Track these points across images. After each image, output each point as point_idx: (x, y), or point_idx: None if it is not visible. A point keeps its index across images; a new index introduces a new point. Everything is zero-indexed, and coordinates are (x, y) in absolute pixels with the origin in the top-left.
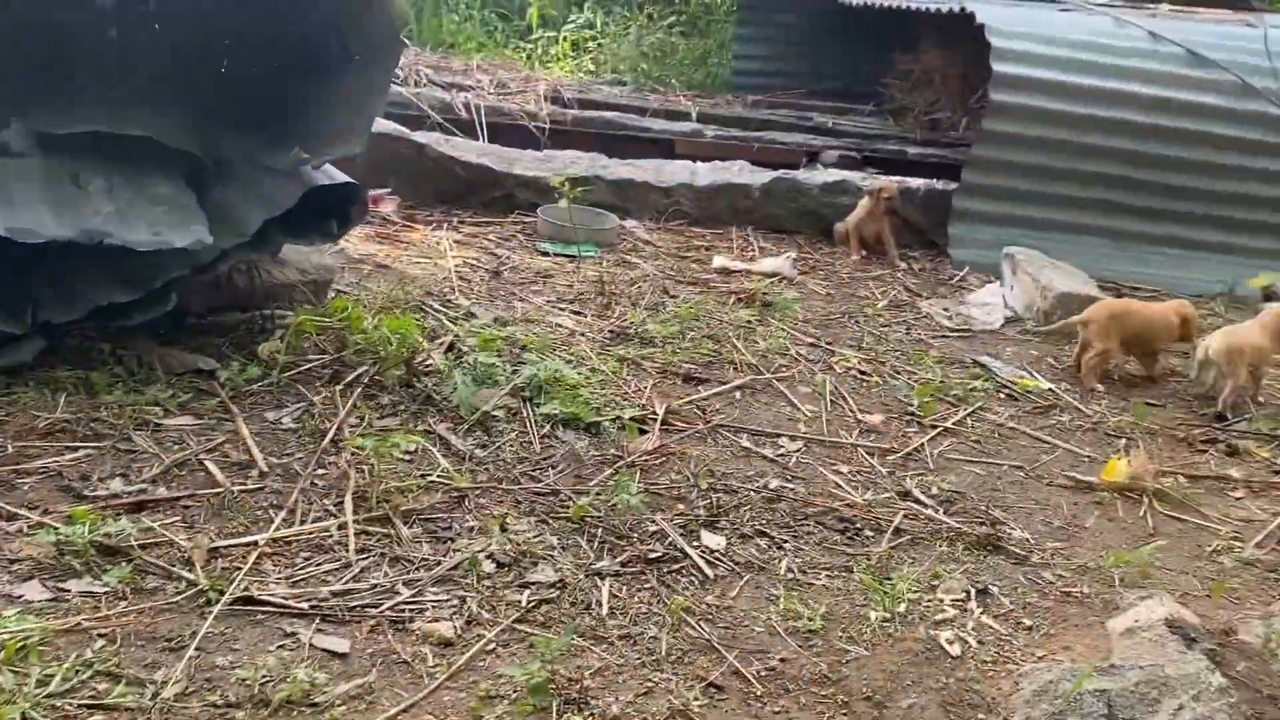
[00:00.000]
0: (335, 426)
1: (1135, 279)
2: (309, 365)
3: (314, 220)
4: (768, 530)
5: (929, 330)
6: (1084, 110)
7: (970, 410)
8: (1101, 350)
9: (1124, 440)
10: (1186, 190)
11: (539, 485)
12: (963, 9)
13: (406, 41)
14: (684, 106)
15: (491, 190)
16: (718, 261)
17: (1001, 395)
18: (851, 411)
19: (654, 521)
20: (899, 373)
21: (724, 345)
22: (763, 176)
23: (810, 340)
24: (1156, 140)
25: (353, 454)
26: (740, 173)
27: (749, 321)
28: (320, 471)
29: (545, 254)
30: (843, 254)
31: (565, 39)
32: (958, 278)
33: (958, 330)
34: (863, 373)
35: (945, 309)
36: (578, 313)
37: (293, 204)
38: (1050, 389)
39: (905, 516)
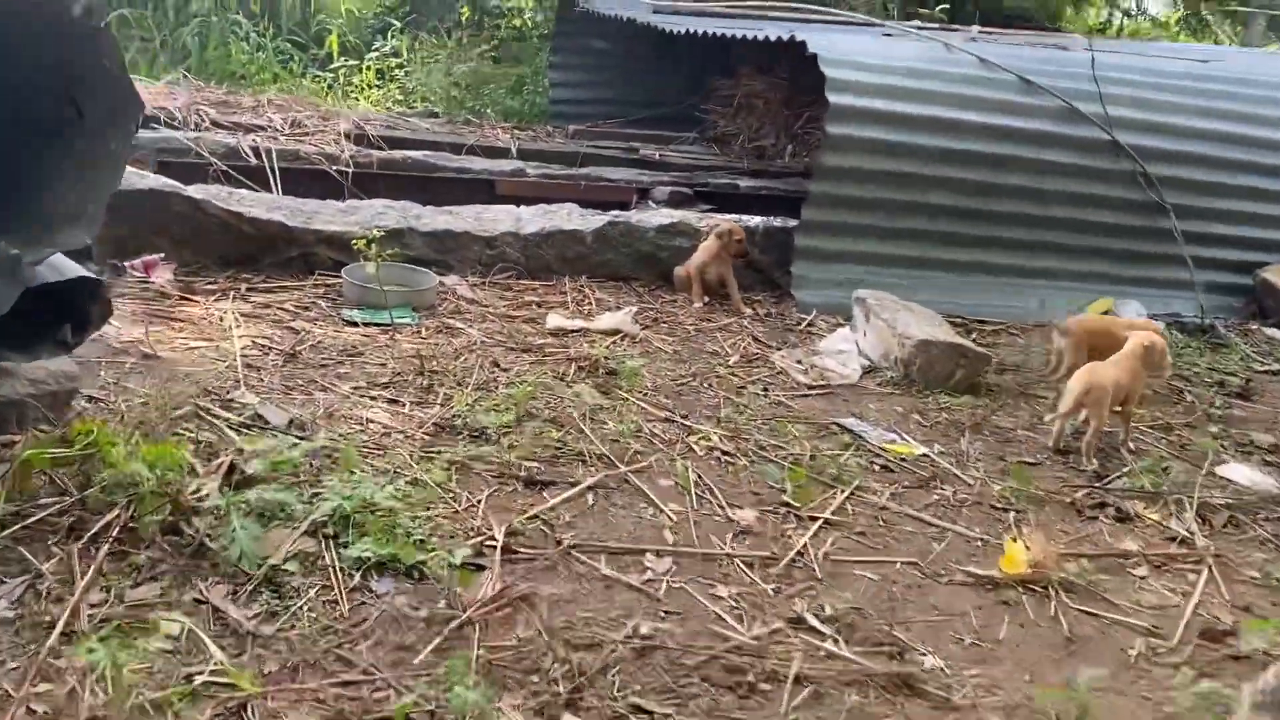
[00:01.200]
0: (68, 610)
1: (981, 313)
2: (42, 514)
3: (42, 325)
4: (644, 701)
5: (786, 390)
6: (923, 140)
7: (847, 492)
8: None
9: (1012, 514)
10: (1024, 218)
11: (349, 673)
12: (792, 37)
13: (186, 74)
14: (502, 141)
15: (287, 250)
16: (553, 321)
17: (875, 467)
18: (721, 507)
19: (501, 712)
20: (764, 449)
21: (569, 431)
22: (595, 221)
23: (664, 415)
24: (993, 168)
25: (88, 656)
26: (570, 217)
27: (594, 398)
28: (43, 688)
29: (353, 324)
30: (684, 301)
31: (369, 68)
32: (805, 322)
33: (816, 387)
34: (725, 453)
35: (799, 361)
36: (394, 400)
37: (6, 310)
38: (924, 454)
39: (804, 656)
